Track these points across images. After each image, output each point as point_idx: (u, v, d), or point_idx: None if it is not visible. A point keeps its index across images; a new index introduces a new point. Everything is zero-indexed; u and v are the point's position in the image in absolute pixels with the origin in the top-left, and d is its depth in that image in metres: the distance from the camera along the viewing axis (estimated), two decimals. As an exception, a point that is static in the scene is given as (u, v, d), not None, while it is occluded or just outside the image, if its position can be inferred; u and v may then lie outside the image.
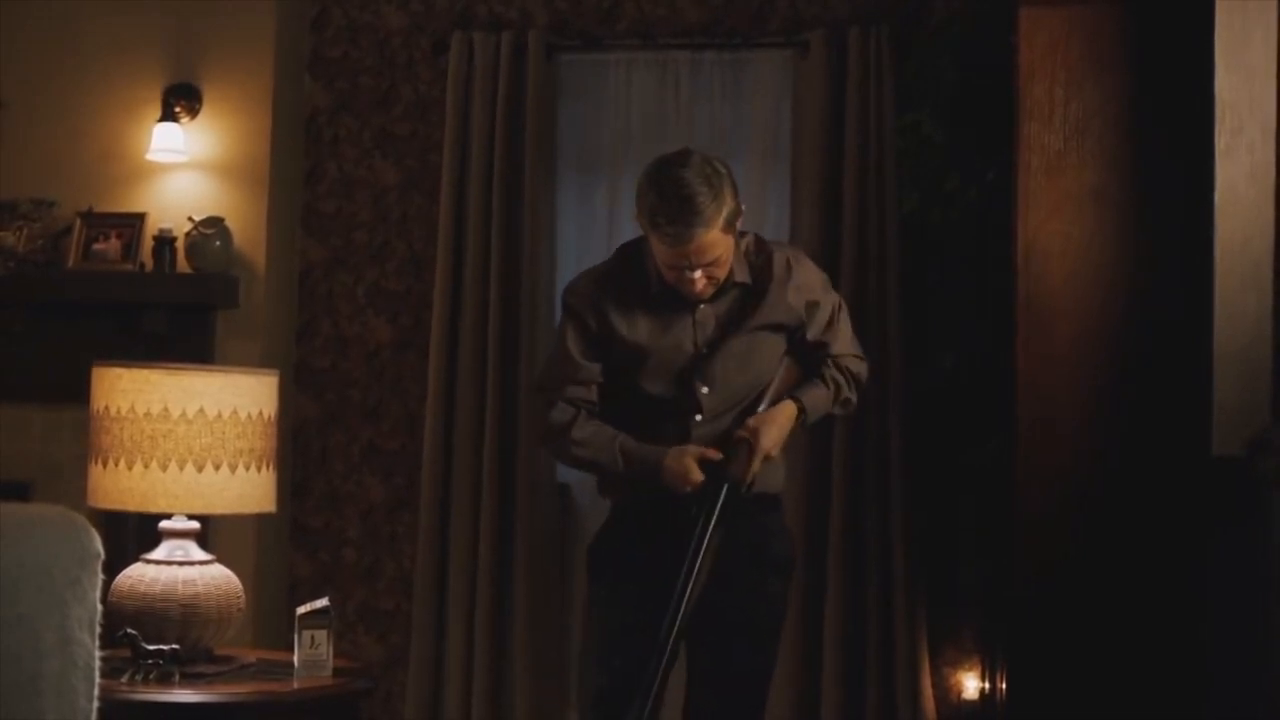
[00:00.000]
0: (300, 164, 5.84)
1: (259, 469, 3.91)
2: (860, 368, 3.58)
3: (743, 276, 3.40)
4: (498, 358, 5.52)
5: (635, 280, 3.43)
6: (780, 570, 3.52)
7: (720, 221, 3.22)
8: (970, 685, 5.37)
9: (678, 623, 3.20)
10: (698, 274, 3.27)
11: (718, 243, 3.24)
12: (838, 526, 5.34)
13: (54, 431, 5.46)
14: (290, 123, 5.76)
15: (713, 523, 3.26)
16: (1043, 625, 4.29)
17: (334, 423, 5.81)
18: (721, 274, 3.32)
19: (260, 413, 3.91)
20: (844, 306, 3.59)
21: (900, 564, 5.31)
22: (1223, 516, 3.89)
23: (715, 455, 3.33)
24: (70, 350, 5.24)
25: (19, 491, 5.33)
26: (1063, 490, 4.27)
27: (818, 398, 3.47)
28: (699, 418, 3.39)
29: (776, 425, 3.37)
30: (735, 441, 3.34)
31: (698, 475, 3.31)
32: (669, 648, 3.19)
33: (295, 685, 3.80)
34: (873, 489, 5.36)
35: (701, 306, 3.38)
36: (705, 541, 3.24)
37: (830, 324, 3.51)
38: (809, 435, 5.36)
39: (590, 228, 5.71)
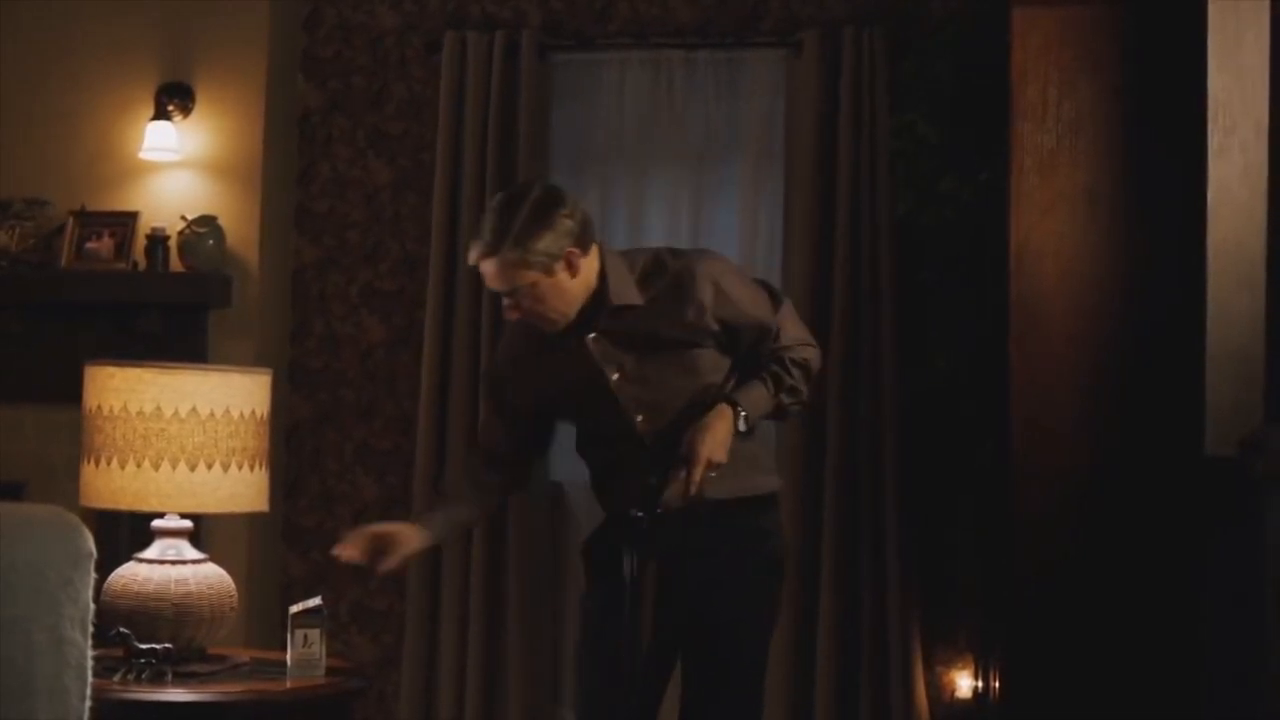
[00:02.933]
0: (293, 163, 5.84)
1: (252, 468, 3.91)
2: (808, 354, 3.50)
3: (629, 299, 3.37)
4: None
5: (527, 337, 3.45)
6: (772, 570, 3.52)
7: (513, 256, 3.22)
8: (964, 684, 5.38)
9: (638, 651, 3.24)
10: (505, 301, 3.32)
11: (509, 276, 3.25)
12: (832, 526, 5.34)
13: (47, 431, 5.45)
14: (283, 122, 5.76)
15: (636, 556, 3.23)
16: (1037, 624, 4.29)
17: (327, 422, 5.81)
18: (542, 310, 3.30)
19: (253, 412, 3.90)
20: (779, 298, 3.52)
21: (894, 563, 5.31)
22: (1217, 516, 3.89)
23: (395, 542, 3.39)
24: (63, 350, 5.24)
25: (13, 492, 5.32)
26: (1057, 490, 4.27)
27: (753, 394, 3.40)
28: (650, 443, 3.37)
29: (709, 431, 3.30)
30: (676, 462, 3.31)
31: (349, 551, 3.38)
32: (634, 675, 3.23)
33: (288, 685, 3.80)
34: (867, 489, 5.36)
35: (590, 336, 3.36)
36: (634, 575, 3.23)
37: (766, 327, 3.44)
38: (805, 435, 5.37)
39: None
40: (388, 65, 5.84)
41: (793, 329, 3.49)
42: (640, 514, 3.23)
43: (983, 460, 5.03)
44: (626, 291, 3.37)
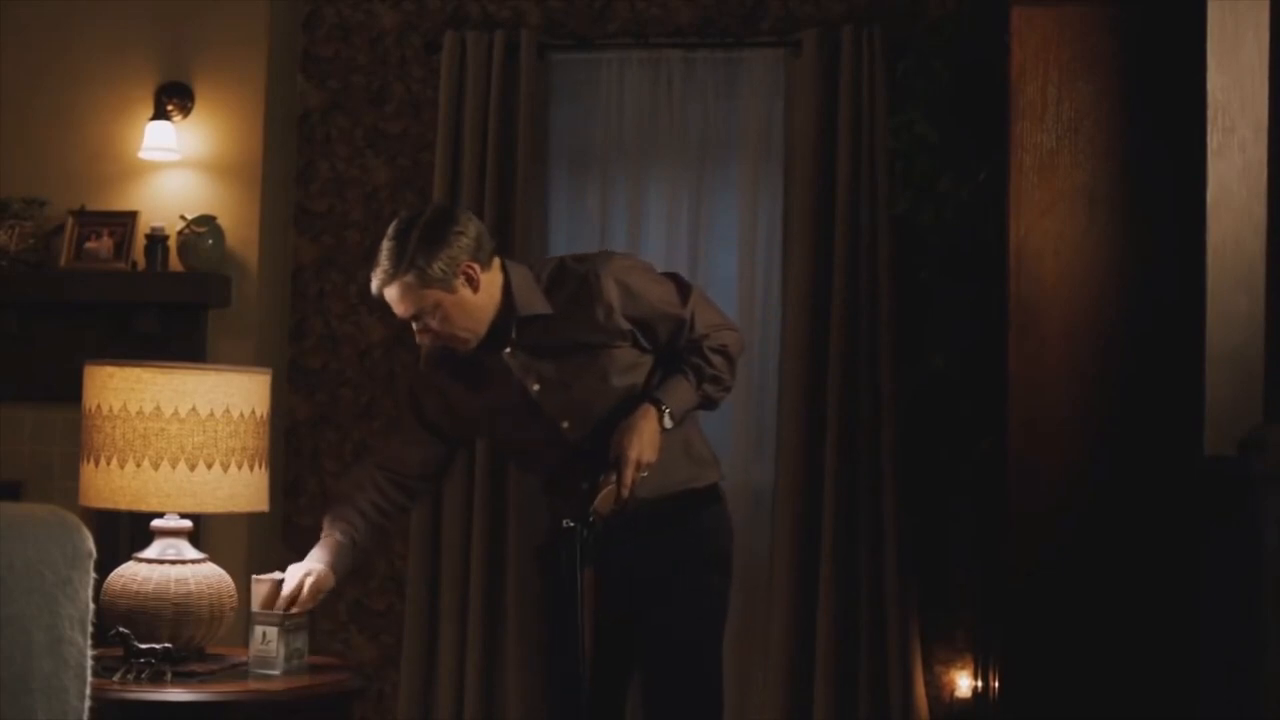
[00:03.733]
0: (292, 163, 5.84)
1: (251, 468, 3.90)
2: (726, 338, 3.47)
3: (536, 308, 3.38)
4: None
5: (445, 357, 3.47)
6: (717, 566, 3.50)
7: (410, 278, 3.25)
8: (963, 684, 5.38)
9: (583, 662, 3.22)
10: (414, 325, 3.34)
11: (417, 299, 3.27)
12: (830, 526, 5.35)
13: (46, 431, 5.45)
14: (282, 121, 5.76)
15: (577, 562, 3.20)
16: (1036, 624, 4.29)
17: (326, 422, 5.81)
18: (454, 328, 3.32)
19: (252, 411, 3.90)
20: (694, 289, 3.49)
21: (892, 563, 5.32)
22: (1215, 516, 3.89)
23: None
24: (62, 349, 5.24)
25: (9, 491, 5.32)
26: (1056, 489, 4.27)
27: (675, 389, 3.40)
28: (586, 448, 3.37)
29: (634, 431, 3.30)
30: (607, 468, 3.31)
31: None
32: (585, 682, 3.22)
33: (285, 685, 3.79)
34: (865, 488, 5.36)
35: (505, 350, 3.38)
36: (578, 583, 3.20)
37: (680, 319, 3.43)
38: (803, 434, 5.38)
39: (582, 227, 5.71)
40: (387, 65, 5.84)
41: (707, 315, 3.47)
42: (573, 523, 3.21)
43: (981, 459, 5.03)
44: (534, 301, 3.38)
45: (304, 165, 5.86)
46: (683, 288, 3.48)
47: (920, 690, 5.34)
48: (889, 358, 5.37)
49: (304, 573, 3.61)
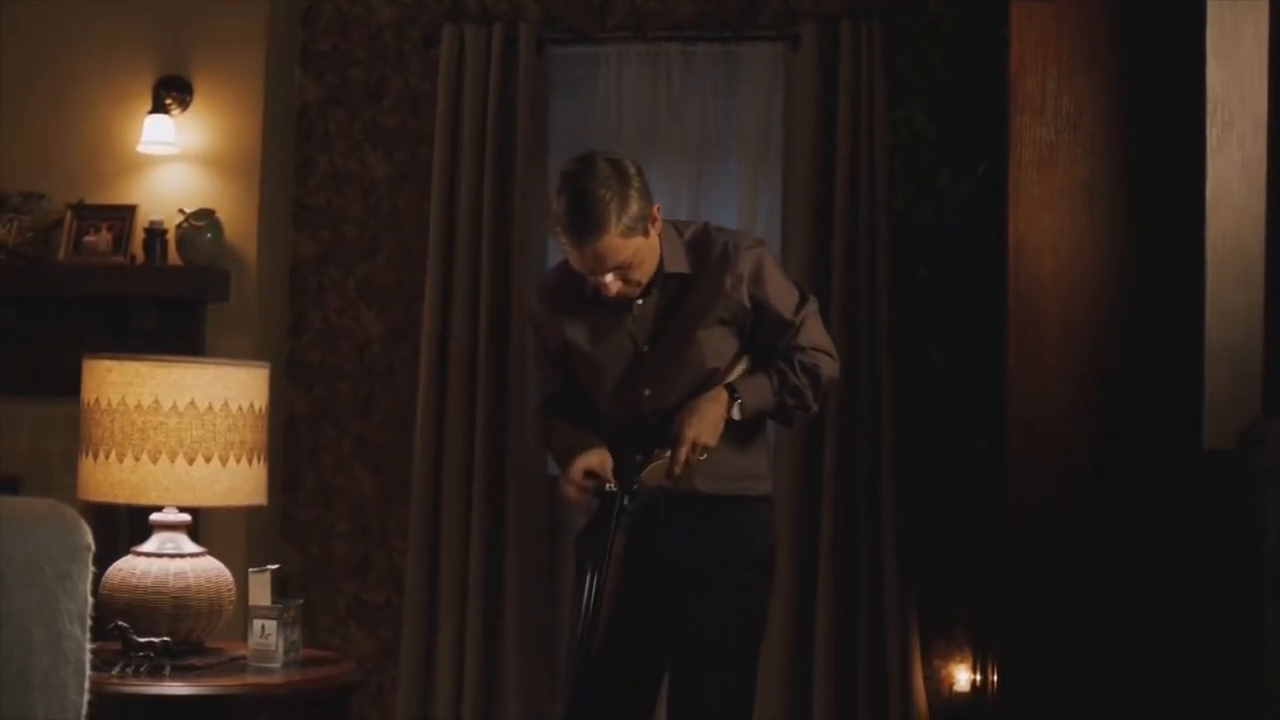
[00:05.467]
0: (291, 157, 5.84)
1: (250, 462, 3.91)
2: (822, 361, 3.43)
3: (679, 267, 3.37)
4: (488, 351, 5.52)
5: (576, 287, 3.43)
6: (760, 569, 3.47)
7: (618, 227, 3.20)
8: (962, 678, 5.38)
9: (587, 631, 3.18)
10: (609, 278, 3.28)
11: (620, 248, 3.23)
12: (829, 521, 5.35)
13: (44, 425, 5.45)
14: (281, 115, 5.75)
15: (616, 527, 3.19)
16: (1035, 619, 4.29)
17: (325, 416, 5.81)
18: (640, 275, 3.31)
19: (251, 405, 3.90)
20: (813, 303, 3.48)
21: (891, 558, 5.32)
22: (1214, 510, 3.89)
23: (603, 469, 3.27)
24: (60, 344, 5.24)
25: (8, 486, 5.32)
26: (1055, 485, 4.27)
27: (755, 384, 3.37)
28: (654, 422, 3.34)
29: (699, 413, 3.27)
30: (668, 442, 3.27)
31: (569, 489, 3.30)
32: (586, 655, 3.18)
33: (284, 678, 3.80)
34: (864, 483, 5.36)
35: (638, 302, 3.36)
36: (608, 548, 3.19)
37: (788, 322, 3.41)
38: (801, 431, 5.37)
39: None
40: (385, 59, 5.84)
41: (813, 332, 3.45)
42: (614, 487, 3.21)
43: (980, 455, 5.03)
44: (679, 259, 3.38)
45: (302, 160, 5.85)
46: (804, 296, 3.47)
47: (919, 684, 5.35)
48: (888, 354, 5.36)
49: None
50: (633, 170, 3.27)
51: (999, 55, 4.48)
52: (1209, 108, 3.99)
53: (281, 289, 5.80)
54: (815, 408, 3.47)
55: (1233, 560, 3.76)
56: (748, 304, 3.37)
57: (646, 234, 3.27)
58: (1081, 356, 4.26)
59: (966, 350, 5.17)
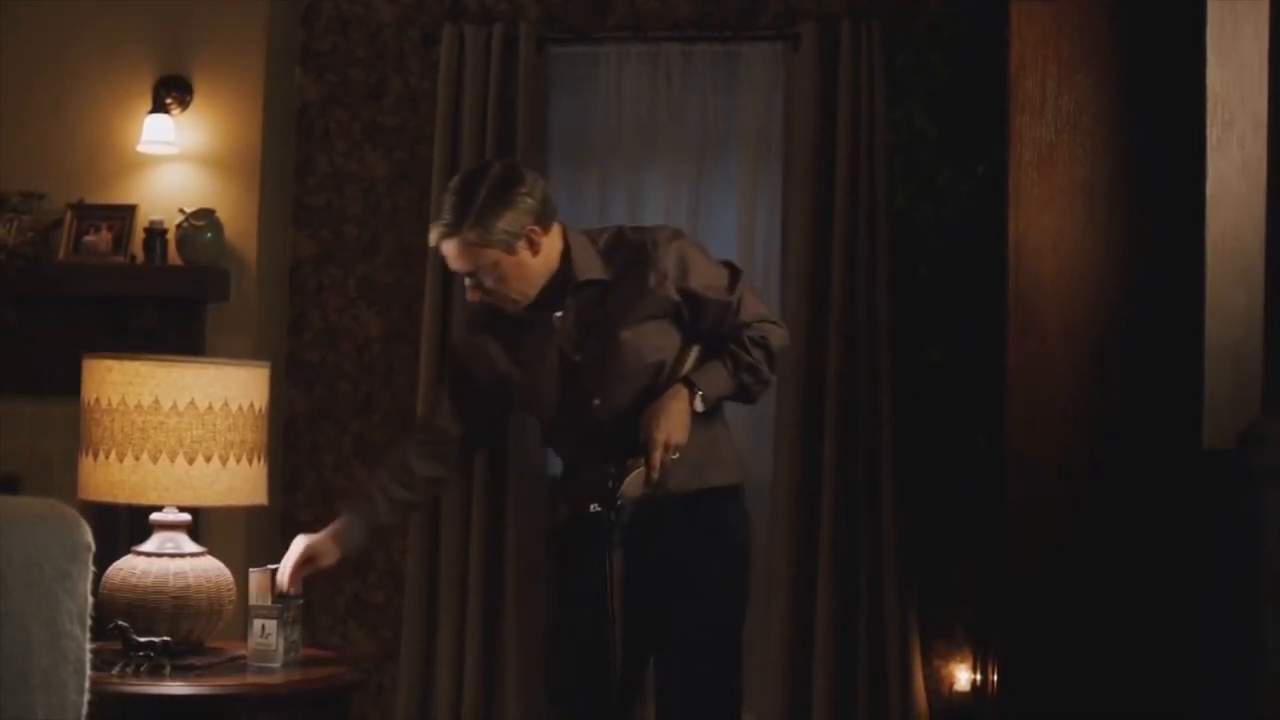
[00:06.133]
0: (291, 156, 5.84)
1: (250, 461, 3.90)
2: (770, 331, 3.43)
3: (594, 273, 3.36)
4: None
5: (496, 315, 3.43)
6: (739, 562, 3.48)
7: (470, 233, 3.21)
8: (962, 677, 5.38)
9: (617, 645, 3.22)
10: (467, 282, 3.31)
11: (467, 255, 3.24)
12: (829, 521, 5.35)
13: (44, 425, 5.45)
14: (281, 115, 5.75)
15: (607, 547, 3.20)
16: (1035, 618, 4.29)
17: (324, 416, 5.81)
18: (506, 290, 3.29)
19: (251, 405, 3.90)
20: (744, 277, 3.47)
21: (891, 557, 5.32)
22: (1214, 510, 3.89)
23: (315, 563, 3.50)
24: (60, 343, 5.23)
25: (7, 486, 5.32)
26: (1054, 484, 4.27)
27: (711, 372, 3.36)
28: (612, 429, 3.33)
29: (664, 413, 3.27)
30: (635, 450, 3.27)
31: (282, 571, 3.55)
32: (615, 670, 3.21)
33: (284, 678, 3.79)
34: (864, 482, 5.36)
35: (556, 315, 3.36)
36: (608, 569, 3.20)
37: (725, 304, 3.40)
38: (802, 429, 5.38)
39: (581, 221, 5.67)
40: (385, 58, 5.84)
41: (753, 306, 3.44)
42: (599, 508, 3.20)
43: (980, 455, 5.03)
44: (592, 266, 3.36)
45: (302, 159, 5.85)
46: (734, 274, 3.46)
47: (919, 684, 5.35)
48: (888, 354, 5.36)
49: (304, 544, 3.59)
50: (525, 189, 3.26)
51: (999, 55, 4.48)
52: (1209, 107, 3.99)
53: (281, 289, 5.80)
54: (772, 379, 3.48)
55: (1233, 560, 3.76)
56: (676, 297, 3.36)
57: (513, 251, 3.25)
58: (1081, 356, 4.26)
59: (966, 350, 5.17)
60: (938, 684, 5.44)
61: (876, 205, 5.40)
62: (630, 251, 3.38)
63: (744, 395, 3.46)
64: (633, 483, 3.22)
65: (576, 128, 5.75)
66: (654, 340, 3.36)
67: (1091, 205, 4.28)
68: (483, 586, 5.50)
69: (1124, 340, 4.26)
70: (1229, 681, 3.80)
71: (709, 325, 3.41)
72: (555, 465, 5.52)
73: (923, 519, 5.43)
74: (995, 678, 4.66)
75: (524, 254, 3.27)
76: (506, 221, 3.23)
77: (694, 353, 3.40)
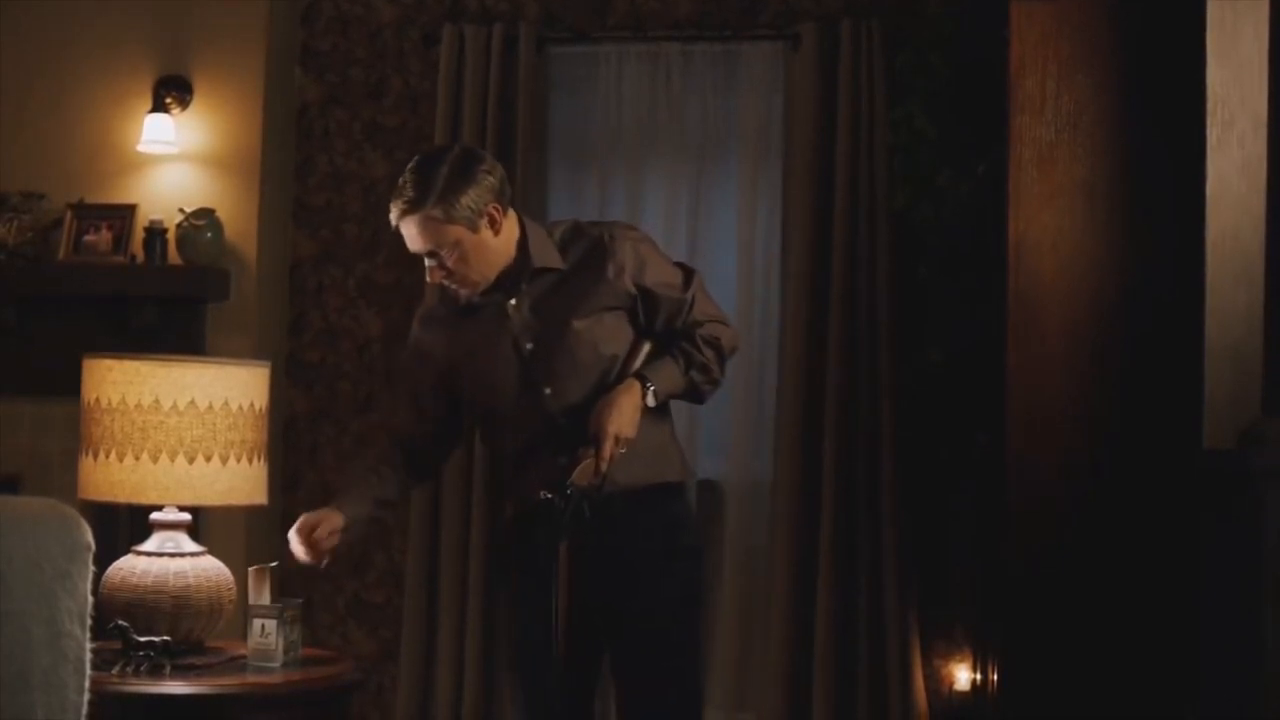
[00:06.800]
0: (291, 156, 5.84)
1: (250, 461, 3.91)
2: (721, 332, 3.45)
3: (551, 262, 3.37)
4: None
5: (449, 302, 3.45)
6: (690, 556, 3.47)
7: (435, 208, 3.22)
8: (962, 677, 5.38)
9: (557, 639, 3.21)
10: (428, 263, 3.30)
11: (432, 231, 3.24)
12: (829, 521, 5.35)
13: (44, 425, 5.45)
14: (281, 115, 5.75)
15: (557, 535, 3.20)
16: (1035, 618, 4.29)
17: (324, 416, 5.81)
18: (466, 270, 3.29)
19: (251, 404, 3.90)
20: (698, 277, 3.48)
21: (891, 557, 5.32)
22: (1214, 510, 3.89)
23: (321, 536, 3.42)
24: (60, 343, 5.23)
25: (7, 486, 5.32)
26: (1054, 483, 4.27)
27: (663, 368, 3.37)
28: (563, 422, 3.33)
29: (615, 406, 3.27)
30: (589, 441, 3.27)
31: (292, 540, 3.44)
32: (556, 665, 3.21)
33: (284, 678, 3.79)
34: (864, 482, 5.36)
35: (510, 303, 3.36)
36: (555, 558, 3.20)
37: (679, 300, 3.41)
38: (802, 429, 5.37)
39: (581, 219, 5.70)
40: (385, 58, 5.84)
41: (706, 306, 3.46)
42: (549, 495, 3.20)
43: (980, 455, 5.03)
44: (549, 255, 3.37)
45: (302, 159, 5.85)
46: (688, 273, 3.48)
47: (919, 683, 5.35)
48: (888, 353, 5.36)
49: (301, 518, 3.50)
50: (486, 168, 3.28)
51: (999, 55, 4.48)
52: (1209, 107, 3.99)
53: (281, 288, 5.80)
54: (721, 379, 3.49)
55: (1233, 560, 3.76)
56: (633, 290, 3.37)
57: (476, 229, 3.26)
58: (1081, 356, 4.26)
59: (966, 350, 5.17)
60: (938, 684, 5.44)
61: (876, 205, 5.40)
62: (587, 243, 3.39)
63: (694, 394, 3.47)
64: (582, 473, 3.23)
65: (576, 128, 5.75)
66: (608, 333, 3.36)
67: (1091, 205, 4.28)
68: (483, 586, 5.50)
69: (1124, 340, 4.26)
70: (1229, 681, 3.80)
71: (662, 322, 3.41)
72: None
73: (923, 519, 5.43)
74: (995, 678, 4.66)
75: (486, 233, 3.28)
76: (470, 198, 3.24)
77: (645, 349, 3.40)
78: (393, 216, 3.28)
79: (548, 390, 3.35)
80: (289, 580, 5.64)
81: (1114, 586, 4.19)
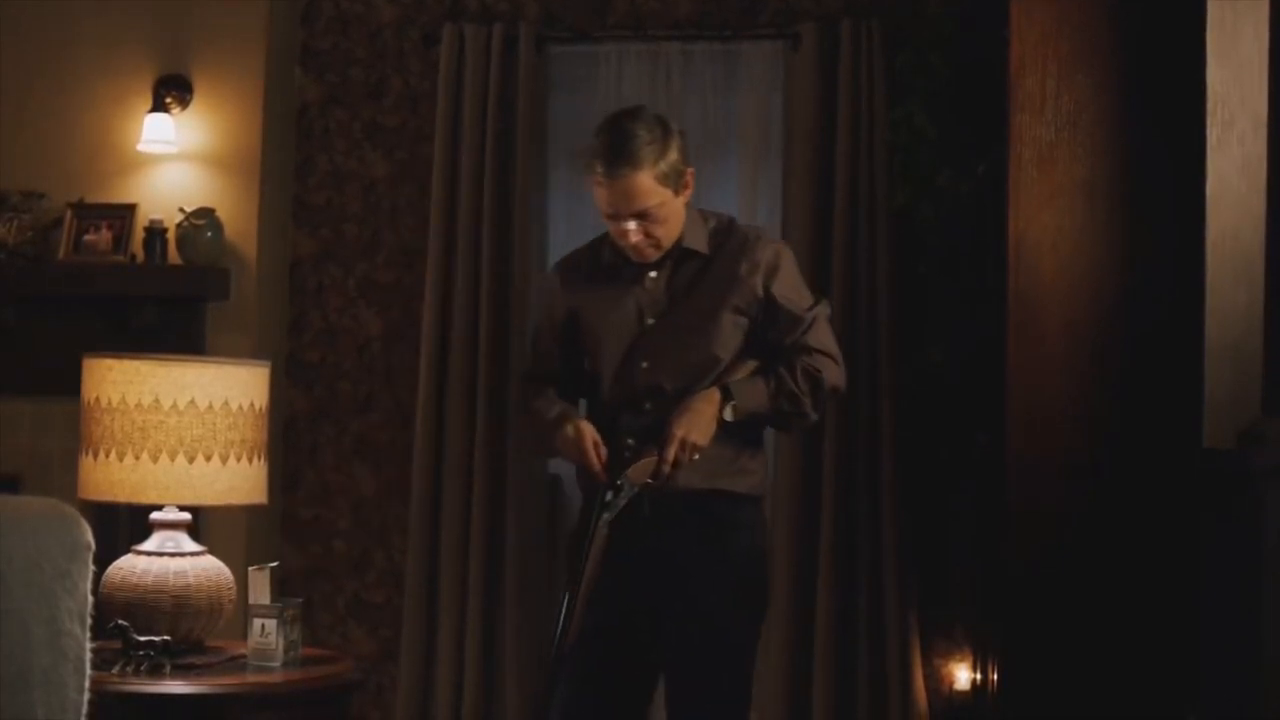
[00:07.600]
0: (291, 156, 5.84)
1: (250, 460, 3.91)
2: (826, 367, 3.36)
3: (698, 245, 3.37)
4: (488, 349, 5.52)
5: (594, 257, 3.47)
6: (752, 562, 3.43)
7: (654, 168, 3.22)
8: (962, 677, 5.38)
9: (568, 622, 3.18)
10: (632, 225, 3.27)
11: (649, 191, 3.23)
12: (829, 521, 5.35)
13: (44, 424, 5.45)
14: (281, 114, 5.75)
15: (597, 519, 3.18)
16: (1035, 617, 4.29)
17: (324, 415, 5.81)
18: (662, 233, 3.30)
19: (251, 404, 3.90)
20: (826, 307, 3.46)
21: (891, 557, 5.32)
22: (1215, 509, 3.89)
23: (599, 450, 3.27)
24: (60, 342, 5.23)
25: (7, 485, 5.32)
26: (1055, 483, 4.27)
27: (751, 387, 3.31)
28: (648, 406, 3.31)
29: (690, 411, 3.23)
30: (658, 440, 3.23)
31: (589, 452, 3.25)
32: (559, 653, 3.19)
33: (284, 677, 3.80)
34: (864, 482, 5.36)
35: (650, 274, 3.36)
36: (591, 538, 3.18)
37: (797, 318, 3.37)
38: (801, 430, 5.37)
39: (581, 219, 5.69)
40: (385, 58, 5.84)
41: (822, 335, 3.41)
42: (600, 479, 3.21)
43: (980, 455, 5.03)
44: (698, 237, 3.39)
45: (302, 159, 5.85)
46: (817, 300, 3.47)
47: (919, 683, 5.35)
48: (888, 353, 5.36)
49: (583, 428, 3.34)
50: (676, 129, 3.30)
51: (999, 55, 4.48)
52: (1209, 106, 3.99)
53: (281, 288, 5.80)
54: (814, 416, 3.41)
55: (1233, 560, 3.76)
56: (760, 293, 3.36)
57: (677, 192, 3.29)
58: (1081, 356, 4.26)
59: (966, 350, 5.17)
60: (938, 684, 5.44)
61: (876, 205, 5.40)
62: (733, 238, 3.41)
63: (779, 421, 3.43)
64: (640, 469, 3.22)
65: (576, 127, 5.74)
66: (724, 335, 3.35)
67: (1091, 204, 4.28)
68: (483, 586, 5.50)
69: (1124, 340, 4.26)
70: (1229, 681, 3.80)
71: (776, 336, 3.38)
72: (554, 465, 5.55)
73: (923, 519, 5.42)
74: (995, 678, 4.66)
75: (682, 196, 3.32)
76: (676, 157, 3.27)
77: (749, 365, 3.37)
78: (601, 177, 3.25)
79: (644, 364, 3.34)
80: (289, 580, 5.65)
81: (1114, 586, 4.19)
